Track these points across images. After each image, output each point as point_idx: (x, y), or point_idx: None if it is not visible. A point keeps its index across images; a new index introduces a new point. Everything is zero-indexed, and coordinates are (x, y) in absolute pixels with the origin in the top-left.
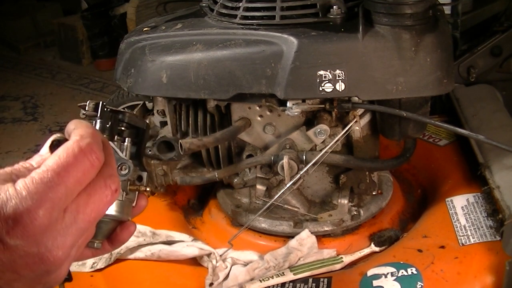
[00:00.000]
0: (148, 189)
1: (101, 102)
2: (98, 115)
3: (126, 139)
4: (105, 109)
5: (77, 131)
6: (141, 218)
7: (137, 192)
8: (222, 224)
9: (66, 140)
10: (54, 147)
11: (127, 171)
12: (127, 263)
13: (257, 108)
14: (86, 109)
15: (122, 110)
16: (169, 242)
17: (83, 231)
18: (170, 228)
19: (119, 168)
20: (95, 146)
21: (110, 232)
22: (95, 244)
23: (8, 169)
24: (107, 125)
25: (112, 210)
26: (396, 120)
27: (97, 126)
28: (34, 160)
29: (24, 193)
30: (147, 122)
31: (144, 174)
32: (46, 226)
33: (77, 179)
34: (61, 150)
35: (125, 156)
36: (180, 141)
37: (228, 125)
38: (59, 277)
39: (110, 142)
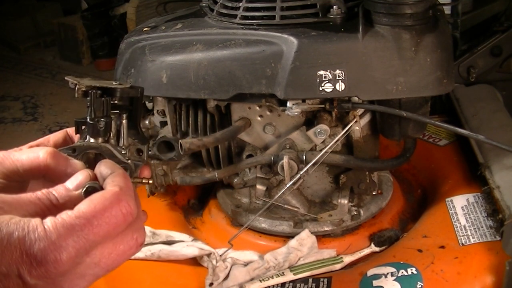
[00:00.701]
0: (150, 181)
1: (91, 90)
2: (90, 104)
3: (123, 115)
4: (97, 95)
5: (115, 180)
6: None
7: (139, 184)
8: (222, 224)
9: (99, 185)
10: (88, 193)
11: (128, 173)
12: (127, 263)
13: (257, 108)
14: (76, 95)
15: (112, 87)
16: (169, 242)
17: (100, 276)
18: (170, 228)
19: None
20: (131, 201)
21: None
22: None
23: (32, 197)
24: (102, 114)
25: None
26: (396, 120)
27: (91, 130)
28: (58, 192)
29: (53, 237)
30: (141, 87)
31: (144, 147)
32: (67, 270)
33: (108, 232)
34: (98, 199)
35: (124, 133)
36: (180, 141)
37: (228, 125)
38: None
39: (108, 145)
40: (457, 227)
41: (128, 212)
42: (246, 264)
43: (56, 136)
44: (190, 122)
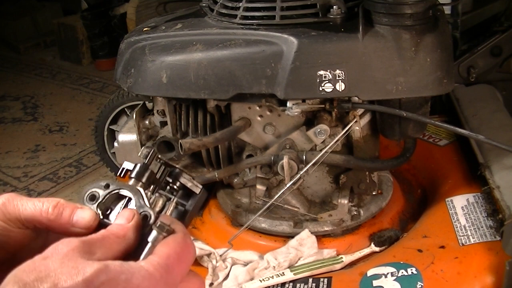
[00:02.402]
0: None
1: (153, 150)
2: (147, 161)
3: (174, 199)
4: (156, 159)
5: (178, 227)
6: None
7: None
8: (222, 224)
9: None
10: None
11: (147, 221)
12: None
13: (257, 108)
14: (139, 154)
15: (178, 168)
16: None
17: None
18: None
19: (140, 214)
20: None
21: None
22: None
23: (97, 237)
24: (147, 173)
25: None
26: (396, 120)
27: (136, 170)
28: (116, 230)
29: (157, 277)
30: (204, 191)
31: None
32: None
33: (186, 270)
34: (172, 242)
35: (165, 211)
36: (180, 141)
37: (228, 125)
38: None
39: (139, 188)
40: (457, 227)
41: (194, 252)
42: (246, 264)
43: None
44: (190, 122)
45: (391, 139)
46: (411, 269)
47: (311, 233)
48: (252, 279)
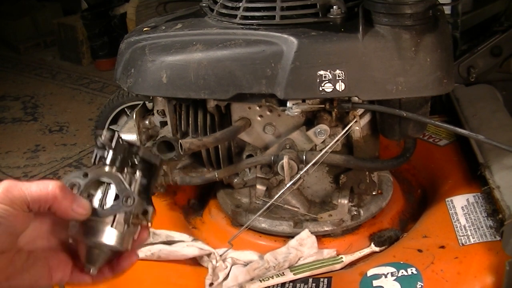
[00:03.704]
0: (150, 224)
1: (116, 133)
2: (112, 145)
3: (137, 171)
4: (120, 141)
5: None
6: None
7: (139, 226)
8: (222, 224)
9: None
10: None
11: (131, 203)
12: None
13: (257, 108)
14: (102, 138)
15: (137, 144)
16: (169, 242)
17: None
18: (170, 228)
19: (124, 199)
20: None
21: (108, 261)
22: (91, 270)
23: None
24: (119, 157)
25: (112, 240)
26: (396, 120)
27: (109, 157)
28: None
29: None
30: (161, 158)
31: (150, 209)
32: None
33: None
34: None
35: (134, 189)
36: (180, 141)
37: (228, 125)
38: None
39: (117, 173)
40: (457, 227)
41: None
42: (246, 264)
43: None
44: (190, 122)
45: (391, 139)
46: (411, 269)
47: (311, 233)
48: (252, 279)
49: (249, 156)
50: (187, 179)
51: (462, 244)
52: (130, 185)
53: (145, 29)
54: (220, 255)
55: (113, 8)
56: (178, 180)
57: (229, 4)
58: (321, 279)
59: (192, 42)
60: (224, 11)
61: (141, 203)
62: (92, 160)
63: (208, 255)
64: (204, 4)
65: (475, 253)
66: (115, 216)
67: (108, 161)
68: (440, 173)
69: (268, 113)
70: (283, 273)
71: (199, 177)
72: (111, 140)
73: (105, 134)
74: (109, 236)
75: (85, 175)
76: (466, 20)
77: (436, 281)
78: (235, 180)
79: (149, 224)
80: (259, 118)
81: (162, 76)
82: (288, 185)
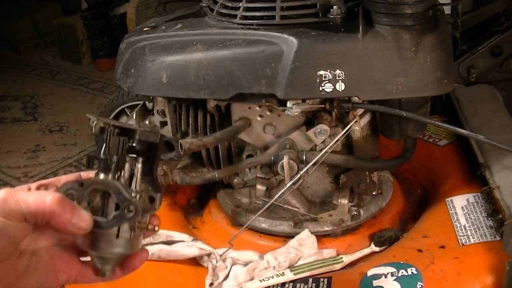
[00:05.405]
0: (156, 229)
1: (108, 127)
2: (107, 142)
3: (139, 158)
4: (113, 133)
5: None
6: None
7: (148, 218)
8: (222, 224)
9: None
10: None
11: (132, 212)
12: None
13: (257, 108)
14: (93, 131)
15: (132, 127)
16: (169, 242)
17: None
18: (170, 228)
19: (124, 208)
20: None
21: (120, 262)
22: (106, 273)
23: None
24: (114, 158)
25: (120, 249)
26: (396, 120)
27: (101, 164)
28: None
29: None
30: (160, 133)
31: (157, 196)
32: None
33: None
34: None
35: (136, 183)
36: (180, 141)
37: (228, 125)
38: None
39: (115, 182)
40: (457, 227)
41: None
42: (246, 264)
43: (69, 178)
44: (190, 122)
45: (391, 139)
46: (411, 269)
47: (311, 233)
48: (252, 279)
49: (249, 156)
50: (187, 179)
51: (462, 244)
52: (132, 176)
53: (145, 29)
54: (220, 255)
55: (113, 8)
56: (178, 180)
57: (229, 4)
58: (321, 279)
59: (192, 42)
60: (224, 11)
61: (146, 191)
62: (86, 164)
63: (208, 255)
64: (204, 4)
65: (475, 253)
66: (119, 227)
67: (101, 169)
68: (440, 173)
69: (268, 113)
70: (283, 273)
71: (199, 177)
72: (103, 132)
73: (95, 125)
74: (117, 246)
75: (81, 185)
76: (466, 20)
77: (436, 281)
78: (235, 180)
79: (155, 229)
80: (259, 118)
81: (162, 76)
82: (288, 185)
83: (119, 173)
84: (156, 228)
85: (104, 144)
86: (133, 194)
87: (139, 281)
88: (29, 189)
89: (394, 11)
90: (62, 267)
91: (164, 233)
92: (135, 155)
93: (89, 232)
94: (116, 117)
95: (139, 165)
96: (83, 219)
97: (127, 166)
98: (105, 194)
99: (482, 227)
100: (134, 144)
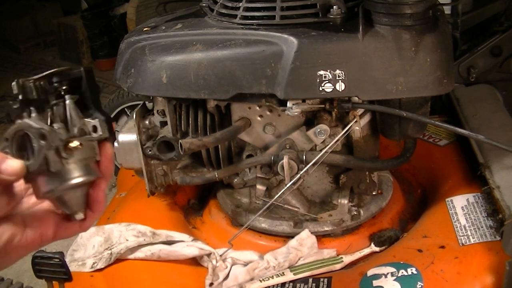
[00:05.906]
0: (108, 135)
1: (17, 80)
2: (20, 95)
3: (66, 96)
4: (28, 84)
5: None
6: (141, 218)
7: (96, 144)
8: (222, 224)
9: None
10: None
11: (46, 139)
12: (127, 263)
13: (257, 108)
14: (14, 92)
15: (47, 73)
16: (169, 242)
17: None
18: (170, 228)
19: (38, 139)
20: None
21: (85, 199)
22: (76, 216)
23: None
24: (34, 100)
25: (74, 176)
26: (396, 120)
27: (14, 107)
28: None
29: None
30: (82, 68)
31: (97, 122)
32: None
33: None
34: None
35: (71, 114)
36: (180, 141)
37: (228, 125)
38: None
39: (25, 119)
40: (457, 227)
41: None
42: (246, 264)
43: None
44: (190, 122)
45: (391, 139)
46: (411, 269)
47: (311, 233)
48: (252, 279)
49: (249, 156)
50: (187, 179)
51: (462, 244)
52: (65, 115)
53: (145, 29)
54: (220, 255)
55: (113, 8)
56: (178, 180)
57: (229, 4)
58: (321, 279)
59: (192, 42)
60: (224, 11)
61: (85, 123)
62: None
63: (208, 255)
64: (204, 4)
65: (475, 253)
66: (47, 160)
67: (14, 117)
68: (440, 173)
69: (268, 113)
70: (283, 273)
71: (199, 177)
72: (24, 87)
73: (13, 86)
74: (59, 180)
75: (6, 139)
76: (466, 20)
77: (436, 281)
78: (235, 180)
79: (105, 136)
80: (259, 118)
81: (162, 76)
82: (288, 185)
83: (50, 117)
84: (110, 150)
85: (21, 94)
86: (46, 126)
87: (139, 281)
88: None
89: (394, 11)
90: (40, 226)
91: (164, 233)
92: (63, 96)
93: (31, 180)
94: (116, 117)
95: (68, 102)
96: (10, 165)
97: (58, 108)
98: (29, 138)
99: (482, 227)
100: (64, 87)
